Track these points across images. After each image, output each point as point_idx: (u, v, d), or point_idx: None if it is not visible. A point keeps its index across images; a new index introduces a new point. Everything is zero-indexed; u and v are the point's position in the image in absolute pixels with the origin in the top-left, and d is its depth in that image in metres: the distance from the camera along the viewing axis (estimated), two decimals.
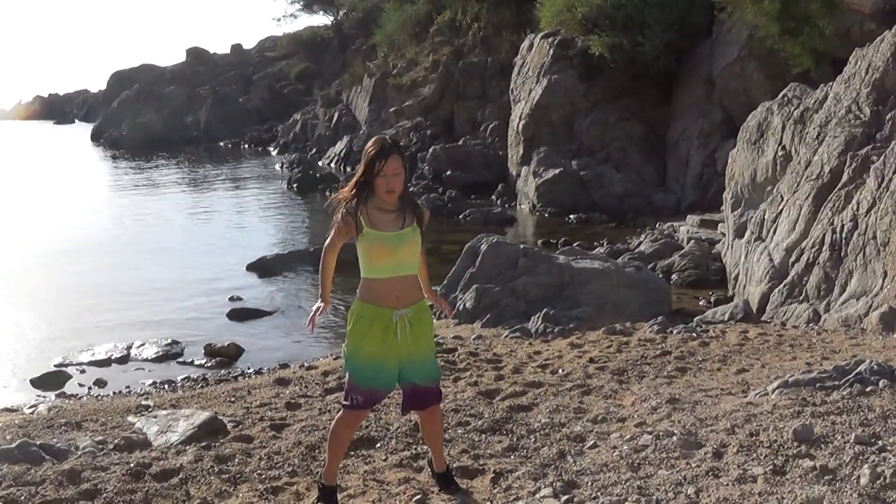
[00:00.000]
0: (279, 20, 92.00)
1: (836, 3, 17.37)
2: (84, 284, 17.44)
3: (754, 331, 10.60)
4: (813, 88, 14.17)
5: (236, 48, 79.65)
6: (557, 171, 23.79)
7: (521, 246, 13.81)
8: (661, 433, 6.18)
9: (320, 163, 37.37)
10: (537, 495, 5.38)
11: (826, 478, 5.02)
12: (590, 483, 5.46)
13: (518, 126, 26.38)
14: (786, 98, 14.26)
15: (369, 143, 5.28)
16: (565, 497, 5.23)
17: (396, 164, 5.15)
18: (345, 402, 5.40)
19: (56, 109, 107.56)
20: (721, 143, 20.84)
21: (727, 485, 5.09)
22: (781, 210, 12.75)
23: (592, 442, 6.37)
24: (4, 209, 29.73)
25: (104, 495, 6.00)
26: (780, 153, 13.64)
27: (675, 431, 6.16)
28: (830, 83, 13.56)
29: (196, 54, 77.25)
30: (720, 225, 16.67)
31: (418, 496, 5.68)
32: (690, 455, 5.71)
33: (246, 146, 54.17)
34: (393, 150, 5.22)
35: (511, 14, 33.19)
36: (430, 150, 30.15)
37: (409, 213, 5.34)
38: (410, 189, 5.17)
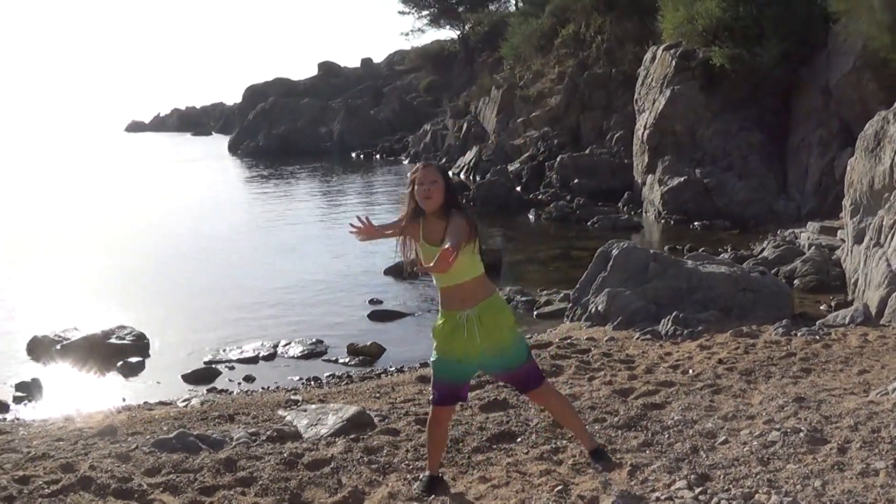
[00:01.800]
0: (407, 35, 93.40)
1: None
2: (230, 287, 18.22)
3: (874, 333, 10.60)
4: None
5: (366, 62, 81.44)
6: (682, 178, 24.21)
7: (651, 251, 13.90)
8: (788, 430, 6.37)
9: (450, 172, 37.46)
10: (672, 487, 5.56)
11: None
12: (722, 476, 5.65)
13: (643, 135, 26.78)
14: None
15: None
16: (699, 489, 5.40)
17: (432, 174, 5.69)
18: (430, 399, 6.18)
19: (193, 122, 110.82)
20: (839, 151, 20.92)
21: (851, 478, 5.23)
22: None
23: (723, 438, 6.54)
24: (154, 215, 31.22)
25: (260, 482, 6.31)
26: None
27: (802, 428, 6.36)
28: None
29: (327, 68, 79.11)
30: (839, 231, 16.63)
31: (559, 487, 5.89)
32: (816, 450, 5.91)
33: (377, 156, 55.25)
34: (428, 163, 5.95)
35: (633, 26, 33.44)
36: (558, 158, 30.63)
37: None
38: (459, 201, 5.62)
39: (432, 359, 5.98)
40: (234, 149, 67.25)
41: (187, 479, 6.36)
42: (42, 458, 6.95)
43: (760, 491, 5.16)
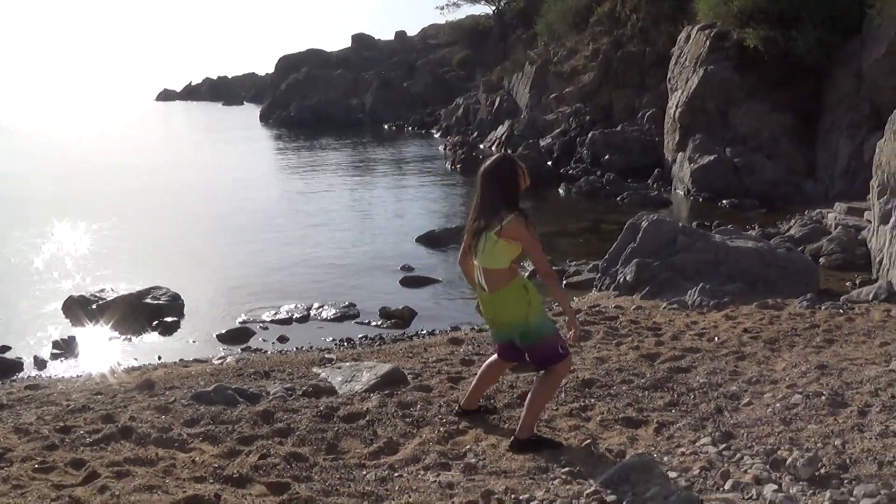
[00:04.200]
0: (442, 9, 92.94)
1: None
2: (264, 251, 18.49)
3: None
4: None
5: (400, 35, 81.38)
6: (712, 157, 24.23)
7: (680, 224, 14.06)
8: (810, 393, 6.53)
9: (482, 146, 37.83)
10: (697, 444, 5.71)
11: None
12: (745, 434, 5.78)
13: (675, 114, 26.80)
14: None
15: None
16: (723, 446, 5.53)
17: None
18: None
19: (224, 91, 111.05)
20: (868, 135, 20.83)
21: (871, 438, 5.32)
22: None
23: (747, 400, 6.73)
24: (188, 182, 31.56)
25: (297, 433, 6.48)
26: None
27: (824, 392, 6.51)
28: None
29: (361, 40, 79.18)
30: (866, 213, 16.61)
31: (588, 441, 6.16)
32: (837, 413, 6.04)
33: (409, 129, 55.38)
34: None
35: (669, 6, 33.28)
36: (589, 134, 30.71)
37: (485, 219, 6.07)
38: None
39: None
40: (265, 118, 67.58)
41: (226, 429, 6.55)
42: (82, 410, 7.18)
43: (782, 448, 5.26)
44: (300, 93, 67.48)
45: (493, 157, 6.25)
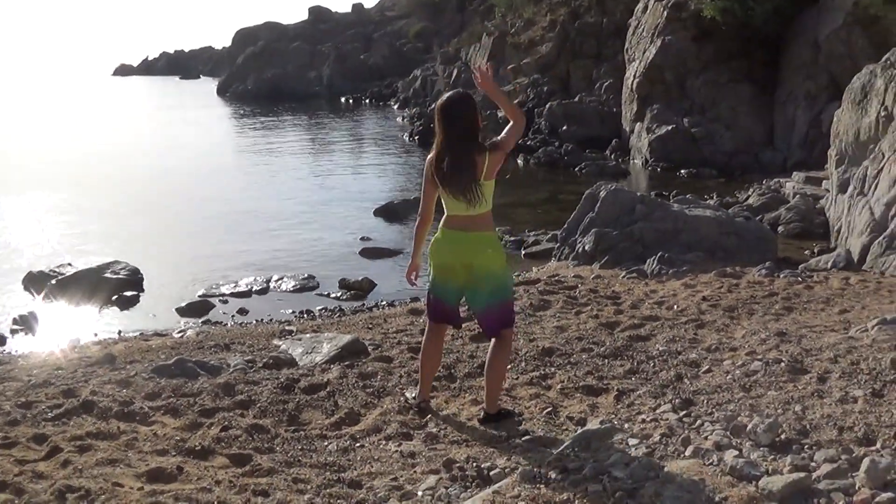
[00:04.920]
0: None
1: None
2: (222, 224, 18.48)
3: (855, 277, 10.89)
4: None
5: (357, 7, 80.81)
6: (670, 127, 24.51)
7: (638, 193, 14.21)
8: (770, 360, 6.48)
9: None
10: (657, 411, 5.63)
11: None
12: (705, 401, 5.73)
13: (632, 84, 27.01)
14: (889, 61, 14.24)
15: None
16: (683, 412, 5.45)
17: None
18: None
19: (182, 65, 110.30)
20: (826, 105, 21.16)
21: (830, 404, 5.29)
22: (883, 167, 12.97)
23: (707, 367, 6.71)
24: (144, 155, 31.31)
25: (258, 405, 6.47)
26: (882, 113, 13.66)
27: (783, 359, 6.46)
28: None
29: (318, 13, 78.57)
30: (824, 182, 16.87)
31: (549, 409, 6.17)
32: (797, 379, 5.98)
33: (367, 101, 55.45)
34: None
35: None
36: (547, 105, 30.88)
37: None
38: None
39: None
40: (222, 92, 67.44)
41: (187, 402, 6.52)
42: (43, 385, 7.08)
43: (742, 414, 5.24)
44: (257, 66, 67.11)
45: (452, 94, 5.96)
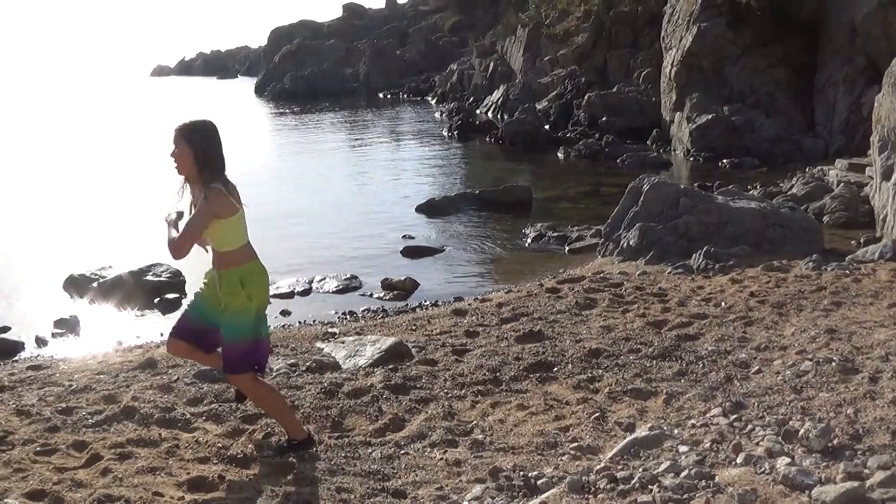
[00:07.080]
0: None
1: None
2: (262, 225, 17.93)
3: None
4: None
5: (391, 3, 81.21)
6: (710, 116, 24.12)
7: (682, 186, 13.96)
8: (820, 360, 6.48)
9: (478, 111, 37.79)
10: (708, 415, 5.63)
11: None
12: (756, 404, 5.72)
13: (670, 73, 26.70)
14: None
15: None
16: (734, 416, 5.43)
17: (175, 140, 5.50)
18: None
19: (218, 65, 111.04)
20: (865, 88, 20.81)
21: (883, 406, 5.27)
22: None
23: (757, 368, 6.68)
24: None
25: (301, 410, 6.41)
26: None
27: (834, 358, 6.45)
28: None
29: (352, 10, 79.04)
30: (868, 168, 16.45)
31: (597, 414, 6.10)
32: (848, 380, 5.99)
33: (404, 96, 55.33)
34: (178, 125, 5.51)
35: None
36: (585, 97, 30.62)
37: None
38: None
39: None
40: (260, 91, 67.55)
41: (229, 408, 6.49)
42: (84, 390, 7.12)
43: (794, 418, 5.20)
44: (294, 64, 67.39)
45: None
